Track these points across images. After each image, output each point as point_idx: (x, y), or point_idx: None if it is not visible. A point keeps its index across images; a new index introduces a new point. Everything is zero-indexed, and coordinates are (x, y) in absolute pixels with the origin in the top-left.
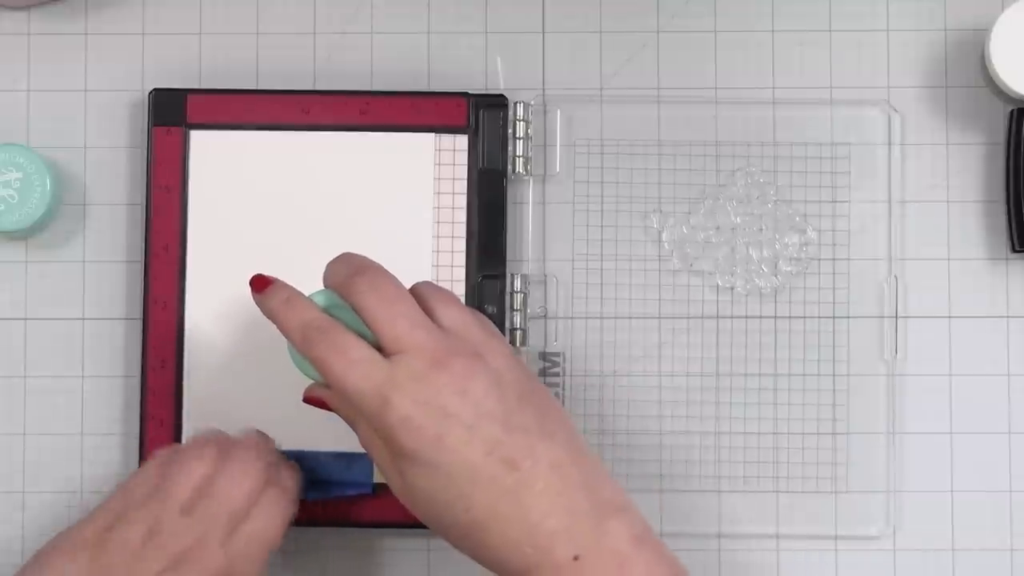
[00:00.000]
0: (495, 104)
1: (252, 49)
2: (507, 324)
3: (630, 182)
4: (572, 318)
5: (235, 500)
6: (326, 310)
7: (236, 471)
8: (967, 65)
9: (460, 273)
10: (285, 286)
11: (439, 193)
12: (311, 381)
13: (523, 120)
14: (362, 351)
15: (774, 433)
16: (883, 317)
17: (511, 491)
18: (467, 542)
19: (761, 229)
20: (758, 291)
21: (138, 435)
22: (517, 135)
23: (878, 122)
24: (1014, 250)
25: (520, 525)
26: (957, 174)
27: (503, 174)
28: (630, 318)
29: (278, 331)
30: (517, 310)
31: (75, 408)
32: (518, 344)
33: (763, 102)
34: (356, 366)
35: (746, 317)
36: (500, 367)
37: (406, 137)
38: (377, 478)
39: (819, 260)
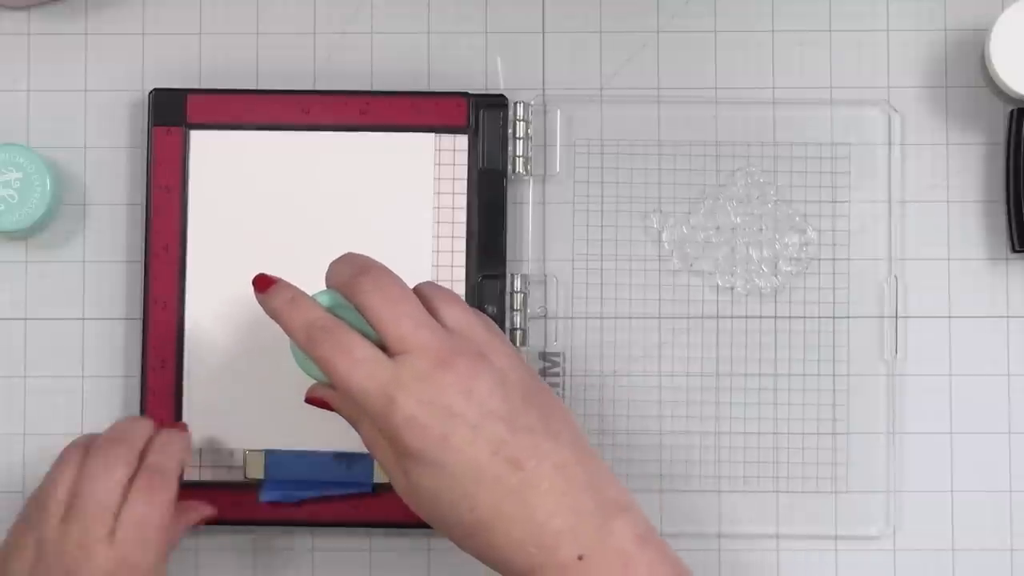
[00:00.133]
0: (495, 104)
1: (252, 49)
2: (507, 324)
3: (630, 182)
4: (572, 318)
5: (103, 494)
6: (330, 310)
7: (98, 466)
8: (967, 65)
9: (460, 273)
10: (288, 286)
11: (439, 193)
12: (313, 381)
13: (523, 120)
14: (367, 351)
15: (774, 433)
16: (883, 317)
17: (516, 491)
18: (471, 542)
19: (761, 229)
20: (758, 291)
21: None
22: (517, 135)
23: (878, 122)
24: (1014, 250)
25: (525, 525)
26: (957, 174)
27: (503, 174)
28: (630, 318)
29: (279, 331)
30: (517, 310)
31: (75, 408)
32: (518, 344)
33: (763, 102)
34: (361, 366)
35: (746, 317)
36: (504, 367)
37: (406, 137)
38: (377, 478)
39: (819, 260)
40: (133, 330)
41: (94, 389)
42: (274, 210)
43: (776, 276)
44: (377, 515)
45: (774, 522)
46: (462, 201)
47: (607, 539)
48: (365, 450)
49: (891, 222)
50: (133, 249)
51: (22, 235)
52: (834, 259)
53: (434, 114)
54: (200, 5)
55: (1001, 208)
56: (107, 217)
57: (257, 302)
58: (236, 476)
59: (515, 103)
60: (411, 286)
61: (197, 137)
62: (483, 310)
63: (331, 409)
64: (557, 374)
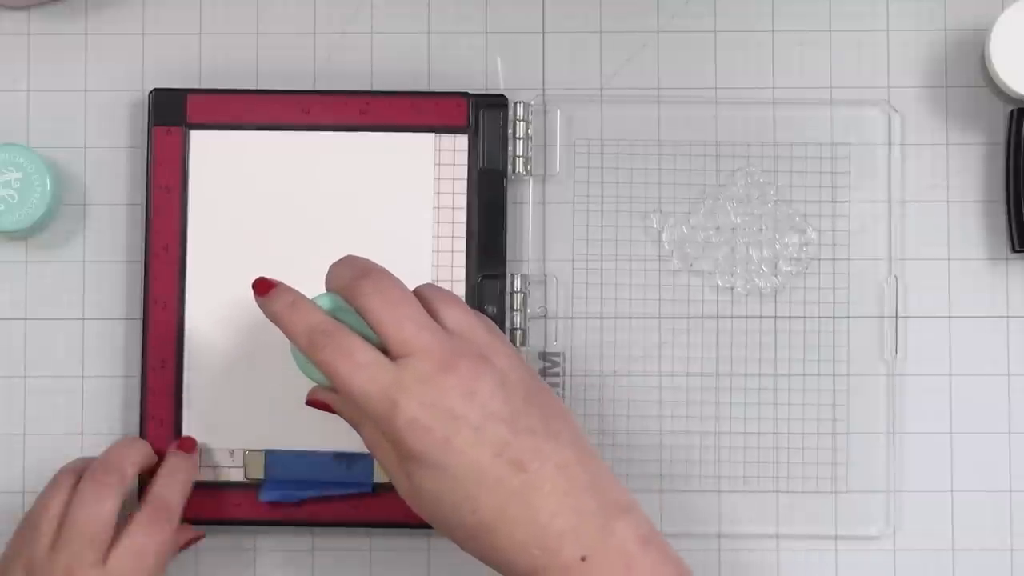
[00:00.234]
0: (495, 104)
1: (252, 49)
2: (507, 324)
3: (630, 182)
4: (572, 318)
5: (93, 524)
6: (331, 313)
7: (89, 494)
8: (967, 65)
9: (460, 273)
10: (289, 289)
11: (439, 193)
12: (314, 384)
13: (523, 120)
14: (368, 354)
15: (774, 433)
16: (883, 317)
17: (518, 492)
18: (474, 543)
19: (761, 229)
20: (758, 291)
21: (138, 435)
22: (517, 135)
23: (878, 122)
24: (1014, 250)
25: (527, 526)
26: (957, 174)
27: (503, 174)
28: (630, 318)
29: (279, 332)
30: (517, 310)
31: (75, 408)
32: (518, 344)
33: (763, 102)
34: (363, 369)
35: (746, 317)
36: (505, 368)
37: (406, 137)
38: (377, 478)
39: (819, 260)
40: (133, 330)
41: (94, 389)
42: (274, 210)
43: (776, 276)
44: (377, 515)
45: (774, 522)
46: (462, 201)
47: (609, 540)
48: (365, 450)
49: (891, 222)
50: (133, 249)
51: (22, 235)
52: (834, 259)
53: (434, 114)
54: (200, 5)
55: (1001, 208)
56: (107, 217)
57: (257, 305)
58: (236, 476)
59: (515, 103)
60: (411, 287)
61: (197, 137)
62: (483, 310)
63: (332, 412)
64: (557, 374)
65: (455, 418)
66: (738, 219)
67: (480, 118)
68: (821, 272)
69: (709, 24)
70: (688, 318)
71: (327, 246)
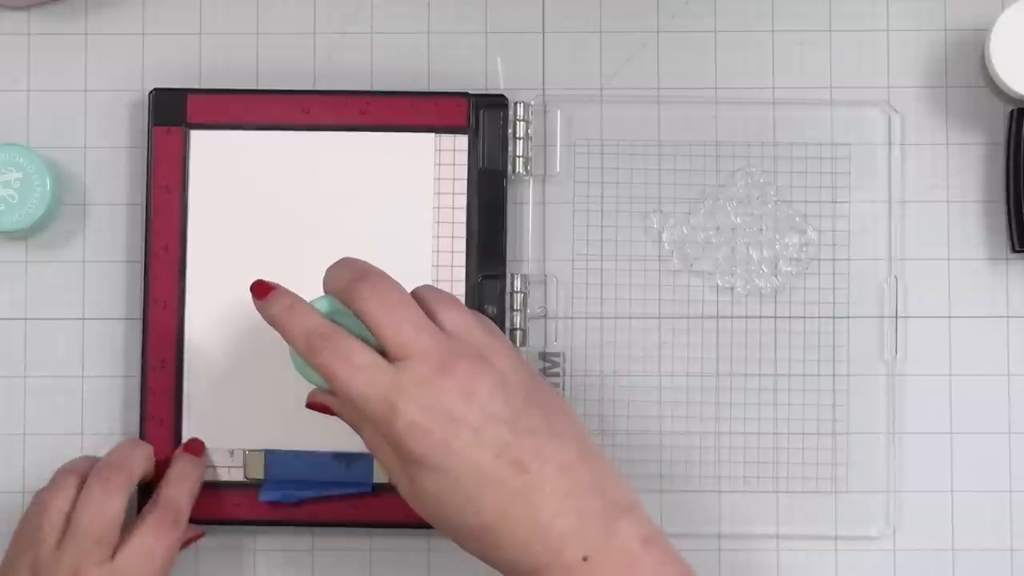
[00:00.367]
0: (495, 104)
1: (252, 49)
2: (507, 324)
3: (630, 182)
4: (572, 318)
5: (101, 522)
6: (328, 316)
7: (97, 493)
8: (967, 65)
9: (460, 273)
10: (287, 292)
11: (439, 193)
12: (313, 387)
13: (523, 120)
14: (367, 357)
15: (774, 433)
16: (883, 317)
17: (520, 493)
18: (477, 544)
19: (761, 229)
20: (758, 291)
21: (138, 435)
22: (517, 135)
23: (878, 122)
24: (1014, 250)
25: (530, 526)
26: (957, 174)
27: (503, 174)
28: (630, 318)
29: (280, 340)
30: (517, 310)
31: (75, 408)
32: (518, 344)
33: (763, 102)
34: (361, 372)
35: (746, 317)
36: (505, 368)
37: (406, 137)
38: (377, 478)
39: (819, 260)
40: (133, 330)
41: (94, 389)
42: (274, 210)
43: (776, 276)
44: (377, 515)
45: (774, 522)
46: (462, 201)
47: (612, 540)
48: (365, 450)
49: (891, 222)
50: (133, 249)
51: (22, 235)
52: (834, 259)
53: (434, 114)
54: (200, 5)
55: (1001, 208)
56: (107, 217)
57: (255, 308)
58: (236, 476)
59: (515, 103)
60: (410, 288)
61: (197, 137)
62: (483, 310)
63: (332, 414)
64: (557, 374)
65: (454, 420)
66: (738, 219)
67: (480, 118)
68: (821, 272)
69: (709, 24)
70: (688, 318)
71: (327, 246)
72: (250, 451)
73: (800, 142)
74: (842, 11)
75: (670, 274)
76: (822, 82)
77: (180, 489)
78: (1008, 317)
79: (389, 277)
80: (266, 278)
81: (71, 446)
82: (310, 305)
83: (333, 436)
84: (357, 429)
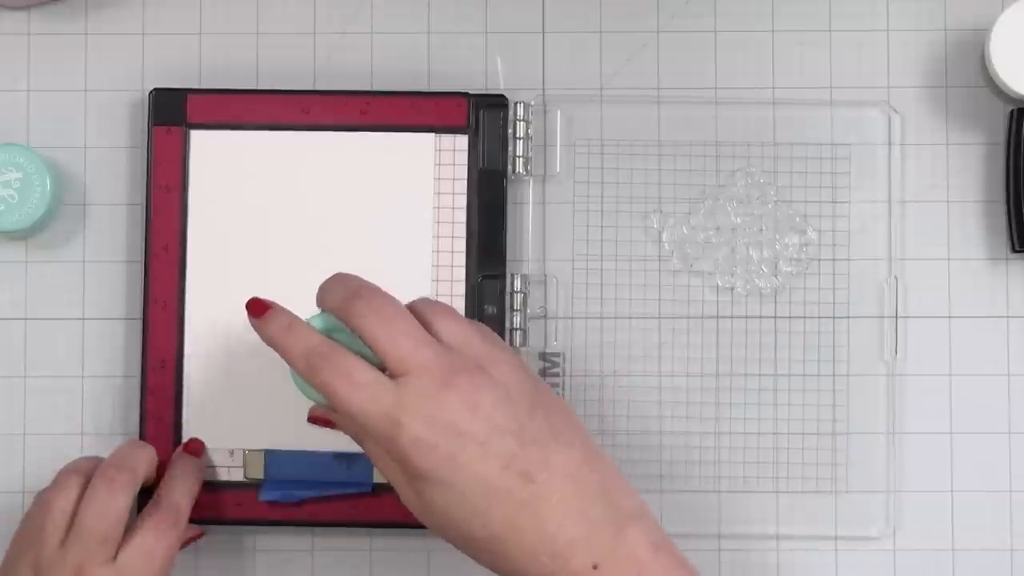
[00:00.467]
0: (495, 104)
1: (252, 49)
2: (507, 324)
3: (630, 182)
4: (572, 318)
5: (106, 521)
6: (326, 333)
7: (102, 492)
8: (967, 65)
9: (460, 273)
10: (283, 311)
11: (439, 193)
12: (313, 403)
13: (523, 120)
14: (367, 374)
15: (774, 433)
16: (883, 317)
17: (528, 504)
18: (486, 555)
19: (761, 229)
20: (758, 291)
21: (138, 435)
22: (517, 135)
23: (878, 122)
24: (1014, 250)
25: (538, 536)
26: (957, 174)
27: (503, 174)
28: (630, 318)
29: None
30: (517, 310)
31: (75, 408)
32: (518, 344)
33: (763, 102)
34: (362, 389)
35: (746, 317)
36: (507, 378)
37: (406, 137)
38: (377, 478)
39: (819, 260)
40: (133, 330)
41: (94, 389)
42: (274, 210)
43: (776, 276)
44: (377, 515)
45: (774, 522)
46: (462, 201)
47: (621, 547)
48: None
49: (891, 222)
50: (133, 249)
51: (22, 235)
52: (834, 259)
53: (434, 114)
54: (200, 5)
55: (1001, 208)
56: (107, 217)
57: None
58: (236, 476)
59: (515, 103)
60: (411, 291)
61: (197, 137)
62: (483, 310)
63: (334, 427)
64: (557, 374)
65: (460, 434)
66: (738, 219)
67: (480, 118)
68: (821, 272)
69: (709, 24)
70: (688, 318)
71: (327, 246)
72: (250, 451)
73: (800, 142)
74: (842, 11)
75: (670, 274)
76: (822, 82)
77: (180, 489)
78: (1008, 317)
79: (383, 292)
80: (262, 294)
81: (71, 446)
82: (307, 324)
83: (333, 436)
84: (360, 443)
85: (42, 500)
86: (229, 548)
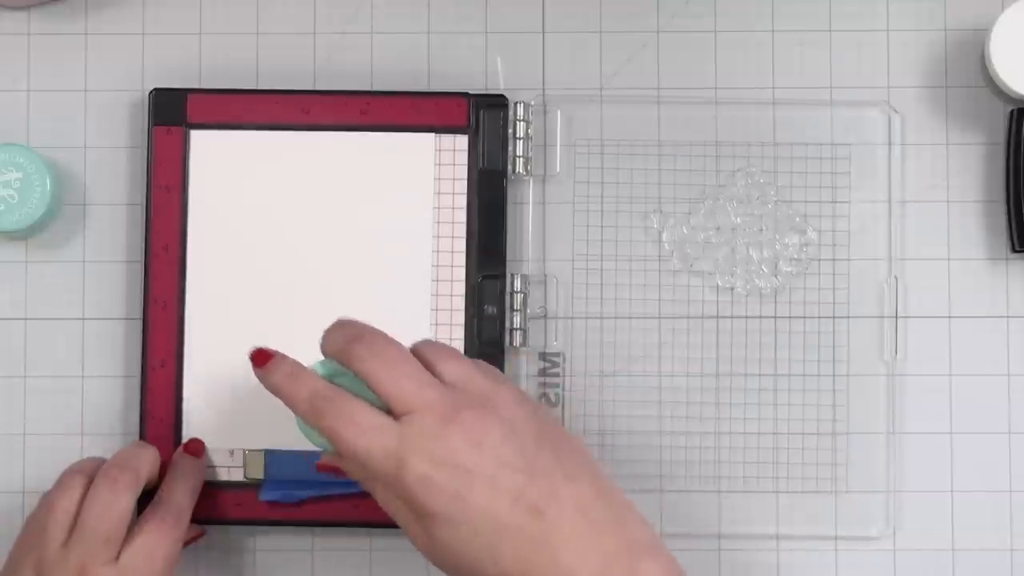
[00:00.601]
0: (495, 104)
1: (252, 49)
2: (507, 324)
3: (630, 182)
4: (572, 318)
5: (109, 521)
6: (328, 378)
7: (105, 492)
8: (967, 65)
9: (460, 273)
10: (286, 359)
11: (439, 193)
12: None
13: (523, 120)
14: (371, 417)
15: (774, 433)
16: (883, 317)
17: (539, 539)
18: None
19: (761, 229)
20: (758, 291)
21: (138, 435)
22: (517, 135)
23: (878, 122)
24: (1014, 250)
25: (552, 571)
26: (957, 174)
27: (503, 174)
28: (630, 318)
29: (279, 333)
30: (517, 310)
31: (75, 408)
32: (518, 344)
33: (763, 102)
34: (367, 432)
35: (746, 317)
36: (512, 414)
37: (406, 137)
38: None
39: (819, 260)
40: (133, 330)
41: (94, 389)
42: (274, 210)
43: (776, 276)
44: (377, 515)
45: (774, 522)
46: (462, 201)
47: None
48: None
49: (891, 222)
50: (133, 249)
51: (22, 235)
52: (834, 259)
53: (434, 114)
54: (200, 5)
55: (1001, 208)
56: (107, 217)
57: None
58: (236, 476)
59: (515, 103)
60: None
61: (197, 137)
62: (483, 310)
63: (343, 475)
64: (557, 374)
65: (467, 472)
66: (738, 219)
67: (480, 118)
68: (821, 272)
69: (709, 24)
70: (688, 318)
71: (327, 246)
72: (250, 451)
73: (800, 142)
74: (842, 11)
75: (670, 274)
76: (822, 82)
77: (182, 490)
78: (1008, 317)
79: (385, 335)
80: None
81: (71, 446)
82: (310, 370)
83: None
84: (368, 488)
85: (45, 501)
86: (229, 548)
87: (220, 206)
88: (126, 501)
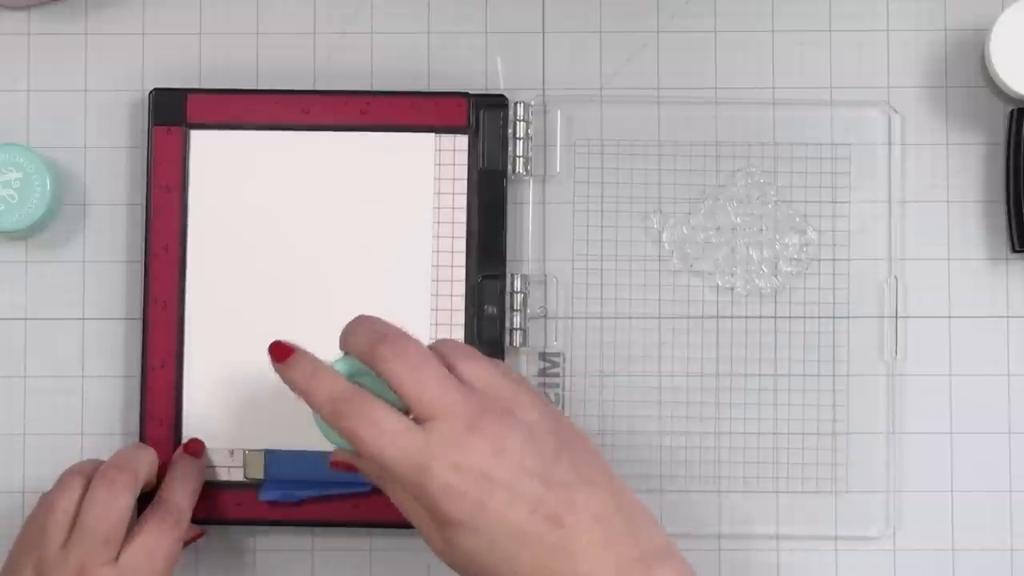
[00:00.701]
0: (495, 104)
1: (252, 49)
2: (507, 324)
3: (630, 182)
4: (572, 318)
5: (108, 521)
6: (350, 377)
7: (103, 493)
8: (967, 65)
9: (460, 273)
10: (307, 355)
11: (439, 193)
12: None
13: (523, 120)
14: (394, 421)
15: (774, 433)
16: (883, 317)
17: (557, 547)
18: None
19: (761, 229)
20: (758, 291)
21: (138, 435)
22: (517, 135)
23: (878, 122)
24: (1014, 250)
25: None
26: (957, 174)
27: (503, 174)
28: (630, 318)
29: (279, 332)
30: (517, 310)
31: (75, 408)
32: (518, 344)
33: (763, 102)
34: (389, 436)
35: (746, 317)
36: (532, 419)
37: (406, 137)
38: None
39: (819, 260)
40: (133, 330)
41: (94, 389)
42: (274, 210)
43: (776, 276)
44: (377, 515)
45: (774, 522)
46: (462, 201)
47: None
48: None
49: (891, 222)
50: (133, 249)
51: (22, 235)
52: (834, 259)
53: (434, 114)
54: (200, 5)
55: (1001, 208)
56: (107, 217)
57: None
58: (236, 476)
59: (515, 103)
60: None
61: (197, 137)
62: (483, 310)
63: (357, 472)
64: (557, 374)
65: (489, 480)
66: (738, 219)
67: (480, 118)
68: (821, 272)
69: (709, 24)
70: (688, 318)
71: (327, 246)
72: (250, 451)
73: (800, 142)
74: (842, 11)
75: (670, 274)
76: (822, 82)
77: (182, 490)
78: (1008, 317)
79: (408, 336)
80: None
81: (71, 446)
82: (331, 368)
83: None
84: (382, 486)
85: (45, 501)
86: (229, 548)
87: (220, 206)
88: (124, 501)
